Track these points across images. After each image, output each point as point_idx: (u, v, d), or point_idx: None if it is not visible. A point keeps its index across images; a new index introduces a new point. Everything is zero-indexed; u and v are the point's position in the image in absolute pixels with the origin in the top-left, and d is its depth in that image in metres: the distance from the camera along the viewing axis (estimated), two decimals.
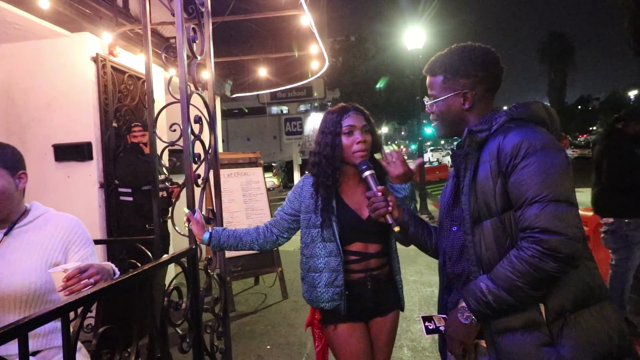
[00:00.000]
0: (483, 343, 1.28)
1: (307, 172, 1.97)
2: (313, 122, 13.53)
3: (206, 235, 1.90)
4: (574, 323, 1.16)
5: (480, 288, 1.20)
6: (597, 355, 1.15)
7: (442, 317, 1.39)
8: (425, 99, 1.48)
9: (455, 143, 1.45)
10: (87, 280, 1.44)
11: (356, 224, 1.84)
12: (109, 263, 1.67)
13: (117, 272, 1.66)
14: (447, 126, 1.44)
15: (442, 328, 1.37)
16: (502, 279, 1.17)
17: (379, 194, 1.57)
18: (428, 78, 1.45)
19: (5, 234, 1.58)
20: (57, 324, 1.52)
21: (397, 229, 1.56)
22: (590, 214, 4.57)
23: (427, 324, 1.39)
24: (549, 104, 1.39)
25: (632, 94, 47.95)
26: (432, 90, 1.43)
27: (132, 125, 4.16)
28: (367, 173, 1.67)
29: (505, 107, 1.39)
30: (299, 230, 1.95)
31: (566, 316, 1.17)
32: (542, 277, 1.12)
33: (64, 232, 1.64)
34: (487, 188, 1.24)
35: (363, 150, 1.80)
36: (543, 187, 1.14)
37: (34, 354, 1.54)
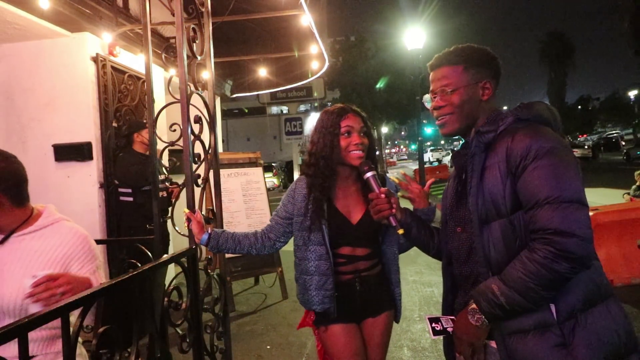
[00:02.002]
0: (492, 344, 1.27)
1: (298, 175, 1.94)
2: (313, 122, 13.49)
3: (205, 237, 1.88)
4: (585, 323, 1.16)
5: (492, 289, 1.19)
6: (607, 354, 1.15)
7: (450, 318, 1.37)
8: (426, 97, 1.44)
9: (455, 143, 1.44)
10: (55, 290, 1.38)
11: (345, 229, 1.82)
12: (89, 277, 1.58)
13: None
14: (463, 119, 1.36)
15: (450, 329, 1.35)
16: (514, 280, 1.16)
17: (382, 195, 1.54)
18: (441, 68, 1.38)
19: (0, 243, 1.53)
20: (49, 332, 1.50)
21: (400, 231, 1.53)
22: (591, 213, 4.56)
23: (434, 325, 1.36)
24: (548, 104, 1.38)
25: (632, 94, 47.90)
26: (448, 80, 1.35)
27: (147, 123, 4.12)
28: (369, 174, 1.63)
29: (505, 108, 1.39)
30: None
31: (577, 316, 1.16)
32: (555, 278, 1.12)
33: (69, 248, 1.57)
34: (495, 189, 1.23)
35: (360, 152, 1.77)
36: (555, 189, 1.14)
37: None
